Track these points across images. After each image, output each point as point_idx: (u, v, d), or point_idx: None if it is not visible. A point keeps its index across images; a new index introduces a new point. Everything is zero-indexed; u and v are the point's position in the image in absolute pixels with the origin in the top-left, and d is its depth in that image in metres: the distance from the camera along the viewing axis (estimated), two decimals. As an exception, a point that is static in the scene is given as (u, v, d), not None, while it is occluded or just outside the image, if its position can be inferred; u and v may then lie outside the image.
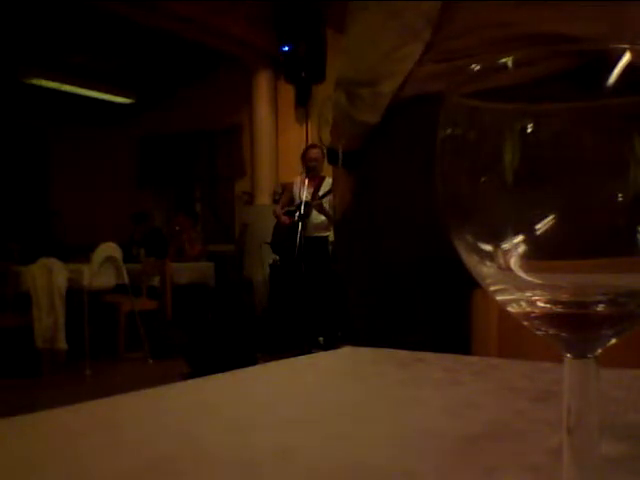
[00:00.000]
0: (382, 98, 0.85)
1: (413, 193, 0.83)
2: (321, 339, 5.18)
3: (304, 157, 5.16)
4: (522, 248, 0.22)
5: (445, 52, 0.82)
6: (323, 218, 5.04)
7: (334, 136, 0.97)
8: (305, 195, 4.92)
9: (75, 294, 4.67)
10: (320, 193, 4.93)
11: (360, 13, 0.86)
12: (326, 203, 4.98)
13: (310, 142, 5.71)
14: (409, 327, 0.88)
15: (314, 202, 4.90)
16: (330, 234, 5.22)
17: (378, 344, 0.69)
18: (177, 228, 6.24)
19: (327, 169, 5.21)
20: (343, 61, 0.91)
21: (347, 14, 0.88)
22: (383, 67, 0.85)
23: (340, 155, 0.95)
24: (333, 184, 1.05)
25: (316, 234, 5.07)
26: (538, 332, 0.24)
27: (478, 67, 0.24)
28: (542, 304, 0.23)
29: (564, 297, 0.22)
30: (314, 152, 5.16)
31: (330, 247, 5.15)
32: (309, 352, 0.71)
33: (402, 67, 0.84)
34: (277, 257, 5.53)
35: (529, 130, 0.22)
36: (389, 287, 0.90)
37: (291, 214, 5.00)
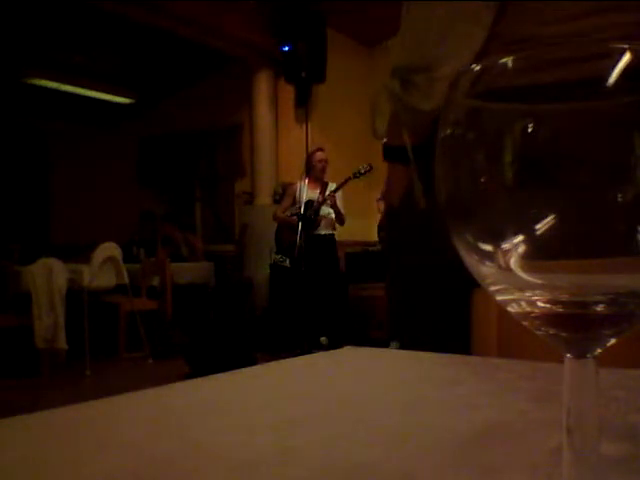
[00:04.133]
0: (437, 83, 0.81)
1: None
2: (324, 339, 5.18)
3: (309, 160, 5.16)
4: (522, 248, 0.22)
5: (512, 41, 0.77)
6: (329, 216, 5.05)
7: (392, 129, 0.92)
8: (309, 195, 4.92)
9: (75, 294, 4.67)
10: (330, 190, 4.94)
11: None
12: (339, 199, 4.99)
13: (311, 142, 5.71)
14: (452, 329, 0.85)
15: (327, 196, 4.90)
16: (336, 232, 5.24)
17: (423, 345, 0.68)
18: (164, 235, 6.30)
19: (330, 175, 5.22)
20: (397, 49, 0.87)
21: (403, 2, 0.84)
22: (437, 50, 0.80)
23: (409, 148, 0.89)
24: (387, 180, 1.00)
25: (324, 232, 5.09)
26: (538, 332, 0.24)
27: (478, 67, 0.24)
28: (542, 304, 0.23)
29: (564, 297, 0.22)
30: (320, 155, 5.17)
31: (336, 245, 5.17)
32: (310, 352, 0.71)
33: (458, 50, 0.79)
34: (278, 257, 5.53)
35: (529, 130, 0.22)
36: (441, 287, 0.86)
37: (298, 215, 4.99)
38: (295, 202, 5.20)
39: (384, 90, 0.90)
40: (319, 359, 0.64)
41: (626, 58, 0.21)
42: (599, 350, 0.24)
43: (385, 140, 0.96)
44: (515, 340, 0.72)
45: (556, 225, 0.21)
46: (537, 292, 0.23)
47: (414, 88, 0.83)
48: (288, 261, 5.31)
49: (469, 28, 0.78)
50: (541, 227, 0.22)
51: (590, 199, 0.22)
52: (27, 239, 6.37)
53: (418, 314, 0.89)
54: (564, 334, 0.23)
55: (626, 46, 0.22)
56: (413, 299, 0.91)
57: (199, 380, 0.55)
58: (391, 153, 0.94)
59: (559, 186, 0.22)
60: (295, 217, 5.02)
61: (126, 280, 5.02)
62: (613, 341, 0.24)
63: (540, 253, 0.22)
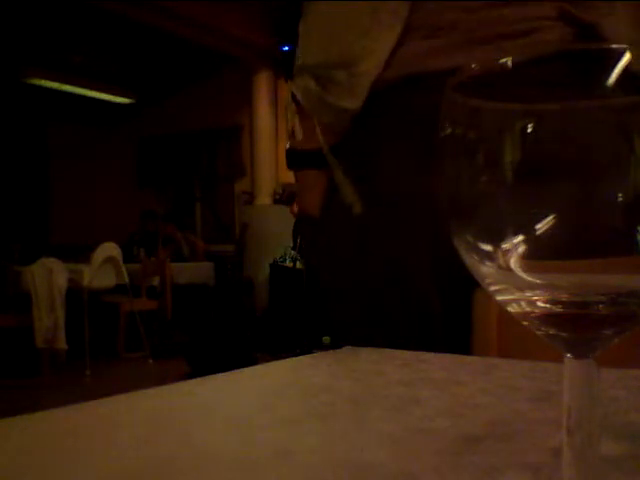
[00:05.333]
0: (361, 79, 0.77)
1: (410, 184, 0.75)
2: (327, 338, 5.17)
3: None
4: (522, 248, 0.22)
5: (429, 28, 0.76)
6: None
7: (308, 130, 0.86)
8: None
9: (75, 294, 4.67)
10: None
11: None
12: None
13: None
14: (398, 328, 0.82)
15: None
16: None
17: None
18: (165, 235, 6.31)
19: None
20: (307, 47, 0.83)
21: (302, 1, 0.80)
22: (358, 46, 0.77)
23: (326, 150, 0.84)
24: (298, 189, 0.92)
25: None
26: (538, 332, 0.24)
27: (478, 67, 0.24)
28: (542, 304, 0.23)
29: (564, 297, 0.22)
30: None
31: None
32: (310, 352, 0.71)
33: (379, 45, 0.76)
34: (281, 257, 5.52)
35: (529, 130, 0.22)
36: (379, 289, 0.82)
37: None
38: None
39: (297, 90, 0.85)
40: (319, 359, 0.64)
41: (626, 58, 0.21)
42: (599, 350, 0.24)
43: (289, 146, 0.90)
44: (515, 340, 0.72)
45: (556, 225, 0.21)
46: (537, 292, 0.23)
47: (334, 85, 0.79)
48: (288, 261, 5.31)
49: (389, 21, 0.76)
50: (541, 227, 0.22)
51: (590, 199, 0.22)
52: (27, 239, 6.36)
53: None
54: (564, 334, 0.23)
55: (626, 46, 0.22)
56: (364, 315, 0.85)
57: (199, 380, 0.55)
58: (299, 159, 0.88)
59: (559, 186, 0.22)
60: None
61: (126, 280, 5.02)
62: (613, 341, 0.24)
63: (540, 253, 0.22)
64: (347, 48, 0.78)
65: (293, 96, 0.86)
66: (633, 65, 0.21)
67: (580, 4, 0.74)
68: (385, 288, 0.82)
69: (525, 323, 0.24)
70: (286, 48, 6.45)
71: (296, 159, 0.89)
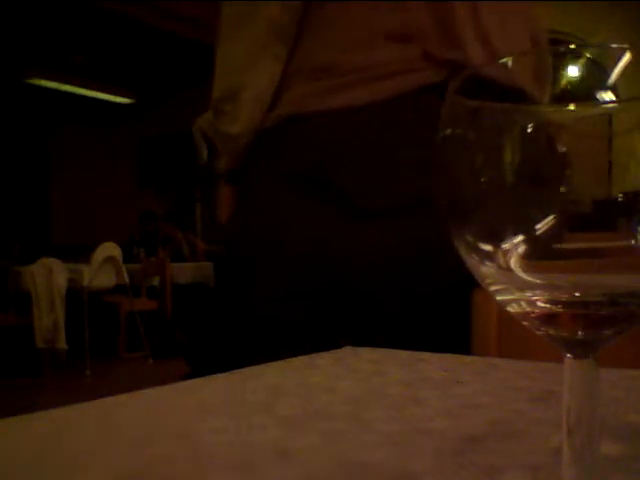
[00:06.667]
0: (242, 107, 0.88)
1: (286, 213, 0.83)
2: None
3: None
4: (522, 248, 0.22)
5: (310, 70, 0.84)
6: None
7: (217, 154, 1.01)
8: None
9: (75, 294, 4.67)
10: None
11: (221, 29, 0.91)
12: None
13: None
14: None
15: None
16: None
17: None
18: (165, 235, 6.32)
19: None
20: (214, 83, 0.95)
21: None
22: (237, 81, 0.88)
23: (225, 172, 0.99)
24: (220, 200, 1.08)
25: None
26: (538, 332, 0.24)
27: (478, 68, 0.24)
28: (542, 304, 0.23)
29: (564, 297, 0.22)
30: None
31: None
32: (310, 352, 0.71)
33: (257, 79, 0.86)
34: None
35: (529, 130, 0.22)
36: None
37: None
38: None
39: (202, 121, 1.01)
40: (319, 359, 0.64)
41: (626, 58, 0.21)
42: (599, 350, 0.24)
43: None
44: (515, 340, 0.73)
45: (556, 225, 0.21)
46: (537, 292, 0.23)
47: (223, 115, 0.92)
48: None
49: (262, 62, 0.86)
50: (541, 227, 0.22)
51: (590, 199, 0.22)
52: (27, 239, 6.37)
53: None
54: (564, 334, 0.23)
55: (626, 46, 0.22)
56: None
57: (199, 380, 0.55)
58: (217, 175, 1.03)
59: (559, 186, 0.22)
60: None
61: (126, 280, 5.02)
62: (613, 341, 0.24)
63: (540, 253, 0.22)
64: (231, 83, 0.91)
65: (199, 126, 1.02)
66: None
67: (447, 44, 0.80)
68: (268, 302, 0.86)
69: (525, 323, 0.24)
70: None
71: (212, 176, 1.06)
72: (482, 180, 0.23)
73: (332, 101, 0.80)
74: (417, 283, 0.82)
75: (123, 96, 7.91)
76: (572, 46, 0.23)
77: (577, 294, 0.22)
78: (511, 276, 0.23)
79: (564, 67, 0.23)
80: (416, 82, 0.78)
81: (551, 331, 0.24)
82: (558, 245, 0.22)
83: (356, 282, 0.79)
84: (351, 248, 0.79)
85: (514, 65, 0.23)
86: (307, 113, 0.82)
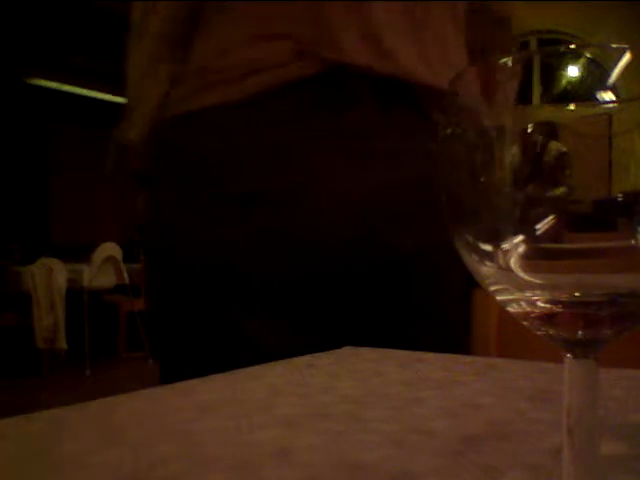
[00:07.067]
0: (143, 118, 0.93)
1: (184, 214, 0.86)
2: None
3: None
4: (522, 248, 0.22)
5: (187, 72, 0.87)
6: None
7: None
8: None
9: (75, 294, 4.67)
10: None
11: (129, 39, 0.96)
12: None
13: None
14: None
15: None
16: None
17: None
18: None
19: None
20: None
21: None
22: (135, 92, 0.95)
23: (134, 175, 1.05)
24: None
25: None
26: (538, 332, 0.24)
27: (477, 67, 0.24)
28: (542, 304, 0.23)
29: (564, 297, 0.22)
30: None
31: None
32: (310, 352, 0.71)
33: (149, 91, 0.92)
34: None
35: (529, 130, 0.22)
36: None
37: None
38: None
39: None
40: (319, 359, 0.64)
41: (626, 58, 0.21)
42: (599, 350, 0.24)
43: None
44: (515, 340, 0.73)
45: (556, 225, 0.21)
46: (537, 292, 0.23)
47: (125, 121, 0.98)
48: None
49: (156, 71, 0.92)
50: (541, 227, 0.22)
51: (590, 199, 0.22)
52: (27, 239, 6.37)
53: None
54: (564, 334, 0.23)
55: (626, 46, 0.22)
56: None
57: (199, 380, 0.55)
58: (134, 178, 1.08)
59: (559, 186, 0.22)
60: None
61: (126, 280, 5.02)
62: (613, 341, 0.24)
63: (540, 253, 0.22)
64: (130, 94, 0.98)
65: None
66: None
67: (320, 43, 0.80)
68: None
69: (525, 323, 0.24)
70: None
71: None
72: (482, 180, 0.23)
73: (201, 101, 0.84)
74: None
75: (123, 96, 7.91)
76: (572, 46, 0.23)
77: (577, 294, 0.22)
78: (511, 276, 0.23)
79: (564, 67, 0.23)
80: (284, 77, 0.79)
81: (551, 331, 0.24)
82: (558, 245, 0.22)
83: (250, 263, 0.81)
84: (233, 232, 0.81)
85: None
86: (185, 113, 0.86)
